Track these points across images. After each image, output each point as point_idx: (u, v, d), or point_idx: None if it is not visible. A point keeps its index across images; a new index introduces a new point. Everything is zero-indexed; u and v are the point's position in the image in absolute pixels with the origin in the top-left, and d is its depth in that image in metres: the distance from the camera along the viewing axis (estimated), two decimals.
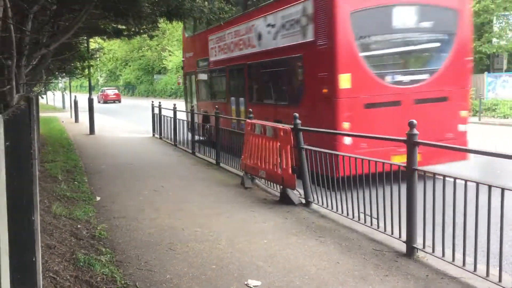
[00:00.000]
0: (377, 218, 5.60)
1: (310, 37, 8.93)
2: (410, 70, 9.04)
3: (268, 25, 10.41)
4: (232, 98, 12.82)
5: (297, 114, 6.73)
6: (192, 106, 14.69)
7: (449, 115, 8.93)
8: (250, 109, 8.82)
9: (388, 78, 8.66)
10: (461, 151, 4.65)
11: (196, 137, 13.09)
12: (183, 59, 17.75)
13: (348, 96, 8.26)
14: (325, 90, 8.56)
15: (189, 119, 13.57)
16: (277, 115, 9.93)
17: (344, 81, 8.22)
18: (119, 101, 40.66)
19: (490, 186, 4.12)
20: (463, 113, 9.18)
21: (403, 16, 8.62)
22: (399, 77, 8.75)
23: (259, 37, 10.92)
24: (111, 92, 46.45)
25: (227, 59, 12.99)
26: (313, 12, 8.79)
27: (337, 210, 6.37)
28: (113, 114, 32.42)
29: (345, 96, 8.26)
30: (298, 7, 9.22)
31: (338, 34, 8.26)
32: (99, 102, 37.78)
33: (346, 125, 8.08)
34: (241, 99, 12.27)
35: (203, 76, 15.11)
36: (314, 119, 8.15)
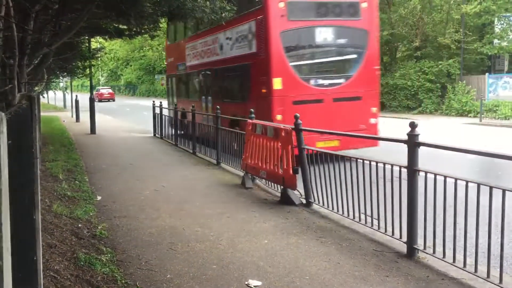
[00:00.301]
0: (378, 219, 5.61)
1: (254, 50, 11.34)
2: (329, 76, 11.32)
3: (227, 38, 12.83)
4: (203, 97, 15.10)
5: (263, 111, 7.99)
6: (174, 104, 17.32)
7: (362, 110, 11.19)
8: (251, 109, 8.91)
9: (312, 82, 11.00)
10: (460, 152, 4.69)
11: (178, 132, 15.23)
12: (166, 63, 20.51)
13: (280, 95, 10.61)
14: (264, 90, 10.93)
15: (172, 116, 16.29)
16: (234, 111, 11.87)
17: (277, 83, 10.59)
18: (113, 100, 42.10)
19: (491, 187, 4.12)
20: (373, 109, 11.51)
21: (323, 35, 11.06)
22: (320, 81, 11.09)
23: (221, 47, 13.35)
24: (105, 91, 48.50)
25: (199, 64, 15.37)
26: (255, 31, 11.17)
27: (337, 211, 6.37)
28: (114, 113, 32.43)
29: (278, 95, 10.62)
30: (246, 25, 11.62)
31: (271, 48, 10.66)
32: (97, 101, 38.73)
33: (279, 117, 10.07)
34: (209, 97, 14.61)
35: (182, 78, 17.64)
36: (258, 113, 9.51)
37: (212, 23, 12.52)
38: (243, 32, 11.83)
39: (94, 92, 46.43)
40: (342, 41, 11.42)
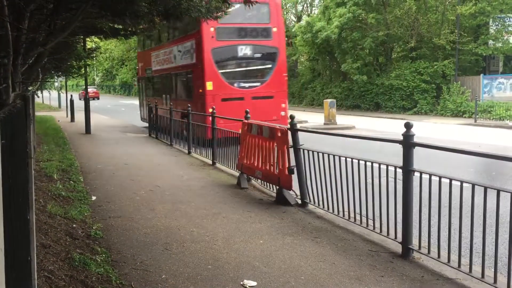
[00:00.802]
0: (373, 219, 5.62)
1: (194, 61, 15.30)
2: (248, 80, 15.25)
3: (178, 50, 16.80)
4: (164, 95, 18.87)
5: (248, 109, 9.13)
6: (144, 102, 21.22)
7: (274, 106, 14.84)
8: (247, 109, 8.95)
9: (235, 84, 14.89)
10: (454, 152, 4.71)
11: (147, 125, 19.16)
12: (137, 67, 24.51)
13: (211, 94, 14.40)
14: (200, 90, 14.80)
15: (143, 111, 21.38)
16: (184, 106, 14.55)
17: (209, 85, 14.44)
18: (98, 98, 43.58)
19: (485, 188, 4.14)
20: (283, 105, 15.29)
21: (243, 51, 14.98)
22: (242, 84, 15.01)
23: (174, 57, 17.24)
24: (90, 90, 51.39)
25: (160, 69, 19.30)
26: (195, 47, 15.11)
27: (333, 211, 6.38)
28: (109, 113, 32.34)
29: (210, 94, 14.41)
30: (189, 43, 15.68)
31: (205, 60, 14.48)
32: (80, 99, 40.96)
33: (210, 109, 11.75)
34: (168, 96, 18.36)
35: (149, 80, 21.55)
36: (197, 107, 14.35)
37: (168, 38, 17.38)
38: (187, 47, 15.90)
39: (80, 91, 47.72)
40: (258, 55, 15.39)
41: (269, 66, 15.39)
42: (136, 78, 29.58)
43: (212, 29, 14.10)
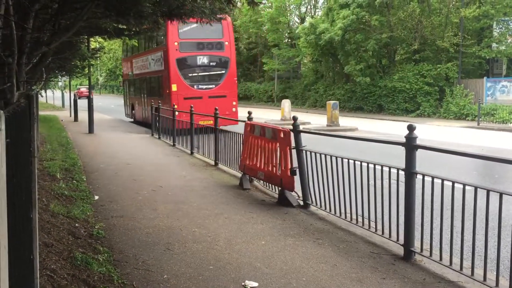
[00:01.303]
0: (375, 221, 5.62)
1: (163, 67, 19.00)
2: (206, 83, 18.92)
3: (152, 58, 20.57)
4: (142, 94, 22.89)
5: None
6: (128, 100, 26.28)
7: (227, 104, 18.00)
8: (249, 111, 8.99)
9: (195, 86, 18.62)
10: (459, 155, 4.71)
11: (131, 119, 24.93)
12: (122, 71, 29.15)
13: (176, 94, 18.07)
14: (167, 91, 18.46)
15: (127, 108, 26.39)
16: (156, 103, 17.63)
17: (174, 87, 18.10)
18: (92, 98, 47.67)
19: (488, 191, 4.13)
20: (234, 103, 18.83)
21: (201, 60, 18.70)
22: (200, 86, 18.75)
23: (149, 64, 21.05)
24: (84, 89, 56.23)
25: (139, 73, 23.20)
26: (163, 57, 18.77)
27: (335, 213, 6.38)
28: (113, 113, 32.38)
29: (174, 94, 18.07)
30: (159, 53, 19.41)
31: (170, 68, 18.18)
32: (77, 98, 44.06)
33: (175, 106, 15.58)
34: (144, 95, 22.33)
35: (131, 82, 25.39)
36: (166, 103, 17.51)
37: (145, 49, 21.40)
38: (158, 57, 19.58)
39: (75, 90, 50.07)
40: (213, 63, 19.01)
41: (223, 72, 19.17)
42: (121, 80, 36.08)
43: (176, 43, 18.26)
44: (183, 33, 18.14)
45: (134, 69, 23.84)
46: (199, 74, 19.05)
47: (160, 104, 16.82)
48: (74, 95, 34.17)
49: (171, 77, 18.17)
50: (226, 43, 18.87)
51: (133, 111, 24.50)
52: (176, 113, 14.63)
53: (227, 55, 18.96)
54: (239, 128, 9.39)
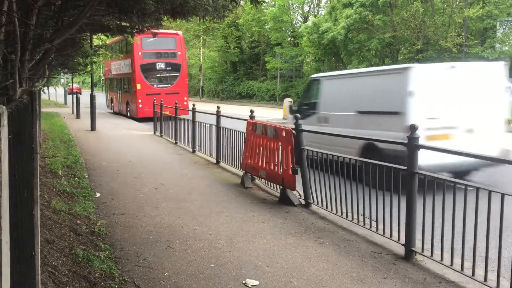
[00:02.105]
0: (376, 221, 5.61)
1: (131, 71, 24.68)
2: (163, 83, 24.62)
3: (124, 63, 26.00)
4: (117, 91, 28.89)
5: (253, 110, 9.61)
6: (108, 95, 32.58)
7: (180, 99, 21.99)
8: (251, 109, 8.96)
9: (155, 85, 24.27)
10: (461, 155, 4.70)
11: (111, 111, 30.86)
12: (104, 71, 35.69)
13: (140, 91, 23.91)
14: (134, 89, 24.25)
15: (107, 101, 32.27)
16: (127, 98, 25.70)
17: (138, 86, 23.97)
18: (80, 93, 49.93)
19: (490, 192, 4.12)
20: (185, 98, 24.44)
21: (160, 66, 24.36)
22: (159, 85, 24.44)
23: (122, 67, 26.75)
24: (75, 86, 58.81)
25: (116, 74, 28.74)
26: (130, 63, 24.54)
27: (336, 212, 6.38)
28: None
29: (139, 91, 23.94)
30: (128, 60, 24.74)
31: (136, 71, 24.06)
32: (69, 93, 49.57)
33: (139, 100, 23.54)
34: (119, 91, 28.26)
35: (110, 80, 30.99)
36: (133, 98, 24.30)
37: (119, 55, 24.07)
38: (128, 62, 25.28)
39: (67, 87, 52.64)
40: (168, 68, 24.89)
41: (176, 74, 25.18)
42: (103, 79, 43.15)
43: (140, 53, 24.05)
44: (145, 44, 23.64)
45: (112, 70, 29.46)
46: (158, 76, 24.99)
47: (130, 98, 25.66)
48: (65, 91, 40.32)
49: (136, 79, 24.36)
50: (179, 53, 25.15)
51: (112, 104, 30.86)
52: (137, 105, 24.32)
53: (180, 62, 25.24)
54: (241, 127, 9.40)
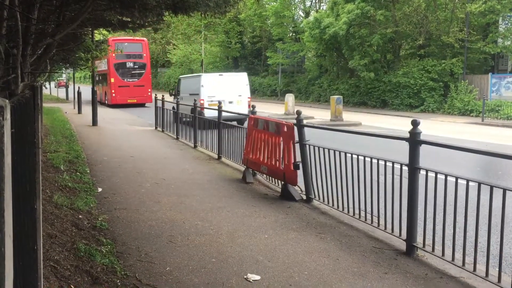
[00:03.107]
0: (378, 216, 5.62)
1: (107, 68, 32.33)
2: (132, 77, 32.26)
3: (102, 62, 31.70)
4: (99, 84, 34.29)
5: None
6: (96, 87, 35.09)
7: (144, 90, 32.34)
8: (254, 105, 8.97)
9: (125, 79, 31.94)
10: (463, 151, 4.69)
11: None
12: (95, 66, 40.53)
13: (113, 83, 31.83)
14: (109, 82, 32.13)
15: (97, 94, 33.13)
16: (105, 89, 33.25)
17: (112, 80, 31.87)
18: (68, 86, 51.83)
19: (491, 187, 4.12)
20: (149, 89, 32.73)
21: (129, 64, 32.19)
22: (128, 79, 32.15)
23: (102, 65, 32.61)
24: (62, 81, 61.73)
25: (99, 70, 32.57)
26: (107, 62, 31.64)
27: (338, 207, 6.38)
28: (116, 106, 32.44)
29: (113, 83, 31.82)
30: (106, 59, 29.49)
31: (110, 69, 31.92)
32: (55, 87, 54.37)
33: (113, 91, 31.58)
34: (101, 84, 34.63)
35: (99, 76, 34.79)
36: (109, 89, 32.24)
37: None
38: (105, 61, 30.93)
39: (56, 81, 54.51)
40: (136, 66, 31.92)
41: (142, 71, 32.55)
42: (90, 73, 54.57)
43: (114, 54, 27.98)
44: (118, 48, 28.19)
45: (97, 67, 33.78)
46: (128, 72, 32.11)
47: (107, 89, 32.78)
48: (95, 89, 46.38)
49: (111, 74, 31.68)
50: (144, 55, 32.89)
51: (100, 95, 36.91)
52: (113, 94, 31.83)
53: (145, 62, 32.95)
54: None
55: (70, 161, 9.72)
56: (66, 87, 41.16)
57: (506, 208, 4.02)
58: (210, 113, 13.71)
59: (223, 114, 11.17)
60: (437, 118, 23.81)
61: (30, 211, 2.72)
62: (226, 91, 17.71)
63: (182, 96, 19.06)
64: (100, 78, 34.85)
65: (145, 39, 35.12)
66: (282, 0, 41.42)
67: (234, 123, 11.70)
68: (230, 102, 15.65)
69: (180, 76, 22.83)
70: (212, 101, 16.68)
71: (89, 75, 38.13)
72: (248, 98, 18.38)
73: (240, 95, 18.10)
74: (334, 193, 6.42)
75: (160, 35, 57.31)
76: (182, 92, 19.89)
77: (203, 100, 17.14)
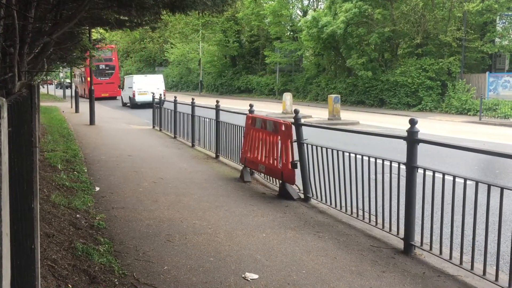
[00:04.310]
0: (376, 215, 5.62)
1: (84, 70, 34.31)
2: (104, 77, 39.73)
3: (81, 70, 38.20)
4: (83, 82, 39.59)
5: None
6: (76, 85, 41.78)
7: (115, 86, 39.22)
8: (251, 103, 8.96)
9: (99, 78, 37.85)
10: (461, 150, 4.70)
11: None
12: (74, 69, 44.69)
13: (90, 81, 25.05)
14: (87, 80, 32.94)
15: (77, 89, 36.39)
16: (84, 86, 37.60)
17: (89, 78, 22.33)
18: (51, 84, 60.75)
19: (489, 185, 4.13)
20: (118, 86, 37.65)
21: (102, 67, 39.17)
22: (101, 78, 39.04)
23: (82, 67, 32.79)
24: (49, 80, 65.02)
25: (81, 72, 38.50)
26: (84, 73, 38.89)
27: (335, 206, 6.39)
28: (113, 105, 32.39)
29: (89, 82, 21.46)
30: (83, 69, 34.01)
31: (87, 70, 31.11)
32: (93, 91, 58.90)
33: (92, 87, 20.52)
34: (80, 82, 42.38)
35: (81, 76, 41.27)
36: (86, 87, 32.14)
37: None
38: (83, 72, 37.05)
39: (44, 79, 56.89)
40: (107, 68, 39.90)
41: (112, 71, 39.48)
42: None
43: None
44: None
45: (76, 69, 38.59)
46: (101, 73, 38.27)
47: (84, 87, 36.35)
48: (92, 89, 53.21)
49: (87, 74, 32.01)
50: (113, 58, 39.92)
51: (78, 90, 38.58)
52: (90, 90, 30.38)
53: (114, 64, 40.20)
54: (238, 120, 9.40)
55: (68, 160, 9.70)
56: (65, 87, 45.19)
57: (503, 207, 4.03)
58: (139, 98, 29.26)
59: (145, 98, 27.08)
60: (435, 117, 23.85)
61: (27, 210, 2.72)
62: (149, 86, 29.06)
63: (125, 88, 32.17)
64: (79, 77, 43.44)
65: (114, 45, 43.64)
66: None
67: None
68: (152, 92, 20.28)
69: (124, 76, 36.91)
70: (140, 91, 29.45)
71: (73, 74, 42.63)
72: (163, 90, 28.71)
73: (158, 88, 28.28)
74: (332, 192, 6.42)
75: (157, 34, 57.26)
76: (125, 86, 32.37)
77: (134, 91, 29.60)
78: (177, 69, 59.49)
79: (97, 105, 21.69)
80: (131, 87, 29.87)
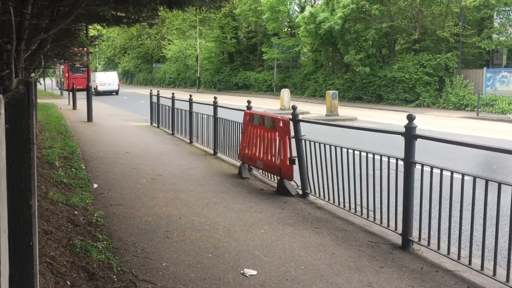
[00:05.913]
0: (374, 211, 5.63)
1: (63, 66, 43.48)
2: (79, 73, 43.29)
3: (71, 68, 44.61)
4: (62, 78, 46.14)
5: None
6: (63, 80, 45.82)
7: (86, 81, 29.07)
8: (248, 100, 8.95)
9: (76, 74, 43.49)
10: (458, 145, 4.71)
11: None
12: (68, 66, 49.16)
13: (69, 76, 43.29)
14: (66, 75, 44.73)
15: (61, 84, 44.09)
16: (67, 81, 41.93)
17: (67, 74, 44.06)
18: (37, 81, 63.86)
19: (487, 181, 4.14)
20: (92, 82, 31.68)
21: (77, 65, 39.87)
22: (77, 74, 43.15)
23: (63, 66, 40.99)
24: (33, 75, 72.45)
25: (64, 69, 44.71)
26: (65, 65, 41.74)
27: (334, 202, 6.40)
28: (111, 102, 32.32)
29: (67, 76, 43.52)
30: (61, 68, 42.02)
31: (65, 68, 43.59)
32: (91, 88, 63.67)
33: (68, 81, 39.98)
34: (62, 77, 46.98)
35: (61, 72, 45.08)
36: (65, 81, 43.97)
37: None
38: (63, 69, 43.17)
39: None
40: (81, 66, 39.03)
41: (85, 69, 35.80)
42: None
43: (67, 66, 38.20)
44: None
45: (61, 67, 43.44)
46: (77, 70, 42.08)
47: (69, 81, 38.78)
48: (90, 85, 57.82)
49: (66, 71, 42.31)
50: (85, 59, 44.05)
51: (63, 85, 44.59)
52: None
53: (86, 63, 43.10)
54: (236, 116, 9.39)
55: (65, 157, 9.68)
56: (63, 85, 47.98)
57: (501, 202, 4.04)
58: (101, 88, 42.44)
59: (105, 88, 42.87)
60: (432, 113, 23.87)
61: (25, 207, 2.71)
62: (107, 79, 42.95)
63: (92, 81, 34.39)
64: (63, 73, 50.03)
65: (86, 48, 49.13)
66: None
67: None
68: (109, 84, 28.65)
69: (91, 73, 41.68)
70: (101, 83, 42.38)
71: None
72: (118, 83, 43.73)
73: (114, 81, 42.94)
74: (330, 187, 6.43)
75: (154, 30, 57.16)
76: (92, 80, 35.50)
77: (97, 83, 41.51)
78: (174, 66, 59.36)
79: (95, 102, 21.56)
80: (95, 81, 40.51)
